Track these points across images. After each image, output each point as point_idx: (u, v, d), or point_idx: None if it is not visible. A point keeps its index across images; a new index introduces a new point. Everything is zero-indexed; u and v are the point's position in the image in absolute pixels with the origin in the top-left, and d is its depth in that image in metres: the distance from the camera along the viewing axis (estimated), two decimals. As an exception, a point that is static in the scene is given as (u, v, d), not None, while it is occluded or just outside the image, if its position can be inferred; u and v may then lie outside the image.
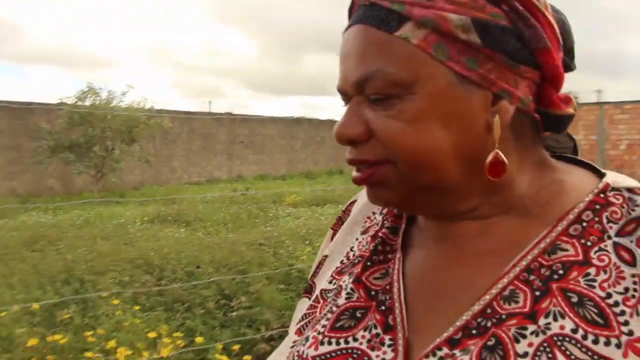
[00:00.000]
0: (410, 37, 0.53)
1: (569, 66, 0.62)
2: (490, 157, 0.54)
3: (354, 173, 0.59)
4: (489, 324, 0.52)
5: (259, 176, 19.12)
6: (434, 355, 0.53)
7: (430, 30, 0.52)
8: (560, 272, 0.52)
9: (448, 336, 0.53)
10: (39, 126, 13.60)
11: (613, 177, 0.58)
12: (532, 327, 0.51)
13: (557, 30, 0.56)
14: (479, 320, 0.53)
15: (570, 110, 0.58)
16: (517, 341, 0.50)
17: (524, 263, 0.54)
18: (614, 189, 0.56)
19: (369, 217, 0.71)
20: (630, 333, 0.48)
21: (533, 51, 0.54)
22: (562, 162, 0.62)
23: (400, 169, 0.56)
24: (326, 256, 0.72)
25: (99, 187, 12.83)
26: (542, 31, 0.54)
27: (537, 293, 0.52)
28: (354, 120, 0.56)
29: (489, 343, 0.51)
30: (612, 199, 0.56)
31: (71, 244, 6.20)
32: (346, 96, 0.59)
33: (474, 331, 0.53)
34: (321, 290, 0.67)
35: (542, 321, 0.51)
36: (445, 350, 0.53)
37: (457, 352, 0.52)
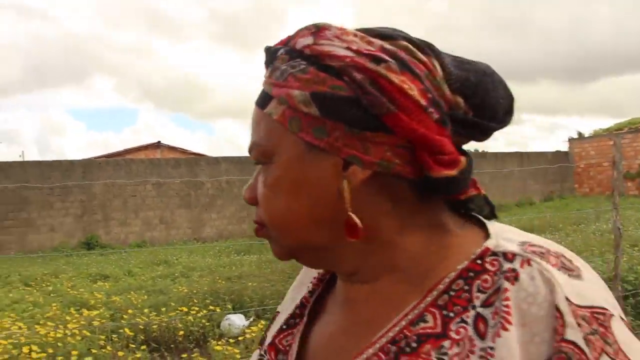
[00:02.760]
0: (272, 114, 0.58)
1: (482, 125, 0.58)
2: (341, 221, 0.56)
3: None
4: None
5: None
6: None
7: (286, 106, 0.57)
8: (414, 345, 0.52)
9: None
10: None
11: (498, 239, 0.56)
12: None
13: (417, 93, 0.54)
14: None
15: (448, 173, 0.55)
16: None
17: (390, 334, 0.54)
18: (493, 253, 0.55)
19: (315, 277, 0.72)
20: None
21: (379, 117, 0.54)
22: (459, 223, 0.60)
23: (269, 231, 0.61)
24: (278, 312, 0.74)
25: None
26: (383, 97, 0.53)
27: None
28: (250, 185, 0.63)
29: None
30: (487, 266, 0.54)
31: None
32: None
33: None
34: (259, 355, 0.69)
35: None
36: None
37: None
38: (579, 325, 0.49)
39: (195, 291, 7.18)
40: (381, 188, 0.56)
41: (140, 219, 15.24)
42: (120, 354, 4.57)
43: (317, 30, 0.58)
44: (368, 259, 0.59)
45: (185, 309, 5.88)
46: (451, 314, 0.52)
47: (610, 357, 0.48)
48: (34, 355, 4.30)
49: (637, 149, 19.83)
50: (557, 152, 23.49)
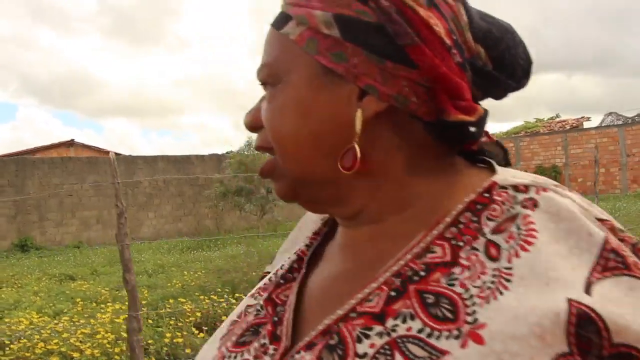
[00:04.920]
0: (290, 34, 0.56)
1: (502, 82, 0.58)
2: (345, 149, 0.54)
3: None
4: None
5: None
6: (292, 358, 0.53)
7: (306, 27, 0.55)
8: (422, 273, 0.51)
9: (309, 340, 0.53)
10: (199, 175, 16.40)
11: (505, 175, 0.55)
12: (378, 328, 0.49)
13: (443, 31, 0.53)
14: (340, 324, 0.52)
15: (465, 118, 0.53)
16: (360, 341, 0.49)
17: (395, 268, 0.53)
18: (501, 187, 0.54)
19: (308, 237, 0.69)
20: (474, 321, 0.46)
21: (403, 48, 0.52)
22: (469, 166, 0.59)
23: (277, 158, 0.58)
24: (268, 272, 0.72)
25: (262, 223, 15.39)
26: (408, 27, 0.52)
27: (393, 293, 0.51)
28: (253, 109, 0.61)
29: (331, 342, 0.51)
30: (495, 197, 0.53)
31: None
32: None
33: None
34: (246, 306, 0.66)
35: (389, 322, 0.49)
36: (302, 353, 0.52)
37: (307, 355, 0.52)
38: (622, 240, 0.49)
39: (193, 284, 7.51)
40: (393, 124, 0.55)
41: (77, 218, 14.85)
42: (179, 339, 4.90)
43: None
44: (375, 197, 0.57)
45: (205, 298, 6.24)
46: (460, 243, 0.52)
47: None
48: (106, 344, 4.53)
49: (534, 151, 22.10)
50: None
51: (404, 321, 0.49)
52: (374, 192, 0.57)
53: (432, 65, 0.52)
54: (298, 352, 0.53)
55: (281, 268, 0.67)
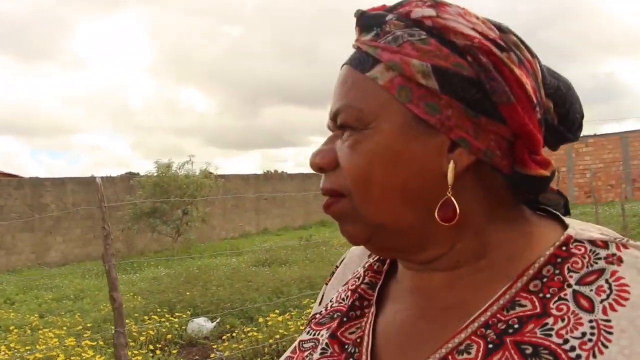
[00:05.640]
0: (378, 78, 0.56)
1: (563, 135, 0.61)
2: (442, 200, 0.55)
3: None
4: None
5: (282, 228, 21.60)
6: None
7: (397, 74, 0.55)
8: (516, 326, 0.52)
9: None
10: (110, 197, 16.04)
11: (576, 229, 0.57)
12: None
13: (530, 89, 0.55)
14: None
15: (544, 172, 0.56)
16: None
17: (482, 319, 0.54)
18: (576, 240, 0.56)
19: (354, 273, 0.71)
20: None
21: (497, 105, 0.54)
22: (538, 216, 0.61)
23: (354, 202, 0.58)
24: (320, 313, 0.71)
25: (177, 245, 15.30)
26: (506, 85, 0.54)
27: (490, 346, 0.52)
28: (324, 150, 0.60)
29: None
30: (574, 251, 0.55)
31: (221, 281, 8.64)
32: (330, 130, 0.62)
33: None
34: (299, 341, 0.67)
35: None
36: None
37: None
38: None
39: (124, 306, 7.53)
40: (477, 176, 0.56)
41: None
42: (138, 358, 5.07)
43: (437, 3, 0.57)
44: (455, 245, 0.58)
45: (147, 318, 6.37)
46: (547, 296, 0.52)
47: None
48: None
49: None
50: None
51: None
52: (454, 241, 0.58)
53: (522, 122, 0.55)
54: None
55: (330, 301, 0.69)
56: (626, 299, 0.50)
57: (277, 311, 6.20)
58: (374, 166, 0.56)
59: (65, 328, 6.33)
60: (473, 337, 0.53)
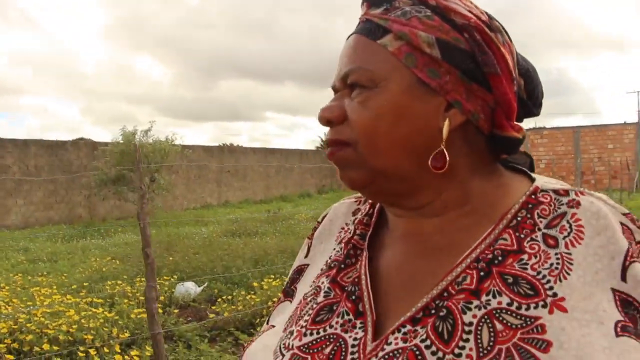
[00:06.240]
0: (388, 46, 0.64)
1: (529, 109, 0.72)
2: (436, 150, 0.63)
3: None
4: (444, 304, 0.61)
5: (243, 201, 21.72)
6: (399, 331, 0.62)
7: (405, 42, 0.64)
8: (500, 258, 0.62)
9: (411, 315, 0.62)
10: (73, 162, 15.79)
11: (541, 181, 0.68)
12: (475, 302, 0.60)
13: (511, 66, 0.66)
14: (437, 302, 0.62)
15: (517, 135, 0.67)
16: (464, 312, 0.59)
17: (473, 255, 0.63)
18: (542, 190, 0.66)
19: (342, 228, 0.79)
20: (555, 295, 0.58)
21: (485, 75, 0.64)
22: (508, 171, 0.71)
23: (359, 150, 0.65)
24: (308, 265, 0.81)
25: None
26: (494, 60, 0.64)
27: (482, 274, 0.61)
28: (334, 105, 0.67)
29: (441, 314, 0.60)
30: (541, 199, 0.66)
31: (198, 249, 8.80)
32: (335, 91, 0.69)
33: (432, 311, 0.61)
34: (304, 295, 0.75)
35: (483, 298, 0.60)
36: (409, 327, 0.62)
37: (418, 328, 0.61)
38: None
39: (105, 269, 7.62)
40: (464, 134, 0.65)
41: None
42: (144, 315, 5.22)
43: None
44: (442, 193, 0.67)
45: (138, 280, 6.50)
46: (522, 235, 0.63)
47: None
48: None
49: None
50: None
51: (494, 297, 0.59)
52: (441, 189, 0.67)
53: (504, 92, 0.64)
54: (403, 326, 0.62)
55: (329, 258, 0.76)
56: (582, 238, 0.62)
57: (271, 276, 6.44)
58: (382, 119, 0.64)
59: (54, 287, 6.38)
60: (467, 270, 0.62)
